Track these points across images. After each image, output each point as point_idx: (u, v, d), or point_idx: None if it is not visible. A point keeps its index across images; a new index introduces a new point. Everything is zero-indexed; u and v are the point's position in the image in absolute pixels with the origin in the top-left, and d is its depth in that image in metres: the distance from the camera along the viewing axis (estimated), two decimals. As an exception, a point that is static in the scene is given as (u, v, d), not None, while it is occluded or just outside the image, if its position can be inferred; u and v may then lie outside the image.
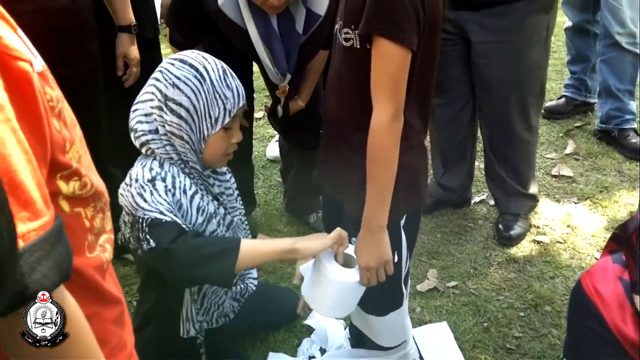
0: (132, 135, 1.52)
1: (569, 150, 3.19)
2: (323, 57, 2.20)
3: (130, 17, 2.15)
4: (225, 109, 1.46)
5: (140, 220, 1.39)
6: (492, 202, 2.79)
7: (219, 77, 1.46)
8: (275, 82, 2.12)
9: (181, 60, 1.47)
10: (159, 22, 2.73)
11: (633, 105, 3.22)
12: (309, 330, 2.12)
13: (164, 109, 1.45)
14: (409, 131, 1.37)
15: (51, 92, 0.75)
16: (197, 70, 1.45)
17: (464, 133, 2.55)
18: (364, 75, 1.33)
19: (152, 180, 1.43)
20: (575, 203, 2.81)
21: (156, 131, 1.48)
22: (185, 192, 1.49)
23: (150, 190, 1.41)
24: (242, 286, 1.74)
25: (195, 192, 1.51)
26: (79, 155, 0.82)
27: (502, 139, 2.45)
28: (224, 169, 1.65)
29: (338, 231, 1.45)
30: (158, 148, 1.48)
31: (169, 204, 1.42)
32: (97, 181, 0.87)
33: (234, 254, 1.37)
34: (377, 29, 1.26)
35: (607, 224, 2.67)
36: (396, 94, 1.31)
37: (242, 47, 1.97)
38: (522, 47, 2.19)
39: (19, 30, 0.76)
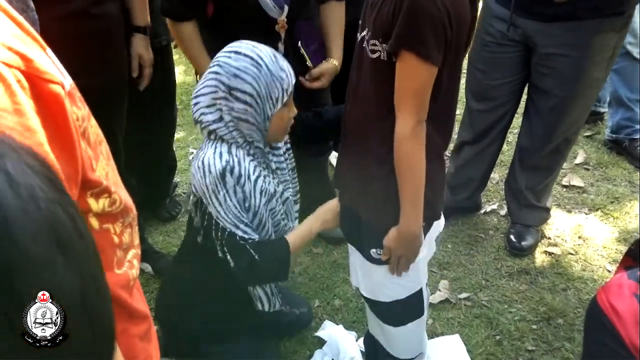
0: (198, 126, 1.65)
1: (579, 160, 3.18)
2: (340, 11, 2.17)
3: (147, 17, 2.13)
4: (282, 88, 1.59)
5: (216, 224, 1.61)
6: (502, 212, 2.79)
7: (272, 61, 1.58)
8: (273, 16, 2.04)
9: (236, 52, 1.59)
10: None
11: (644, 115, 3.21)
12: (321, 342, 2.11)
13: (229, 98, 1.57)
14: (429, 145, 1.39)
15: (77, 112, 0.75)
16: (252, 59, 1.57)
17: (495, 138, 2.54)
18: (390, 87, 1.36)
19: (223, 174, 1.58)
20: (586, 214, 2.80)
21: (220, 119, 1.60)
22: (249, 177, 1.63)
23: (224, 194, 1.58)
24: None
25: (259, 176, 1.65)
26: (106, 172, 0.82)
27: (538, 149, 2.43)
28: (279, 144, 1.78)
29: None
30: (225, 135, 1.61)
31: (238, 207, 1.61)
32: (125, 196, 0.87)
33: (288, 263, 1.67)
34: (406, 44, 1.29)
35: (618, 235, 2.66)
36: (419, 106, 1.34)
37: None
38: (586, 63, 2.17)
39: (48, 50, 0.76)
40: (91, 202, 0.78)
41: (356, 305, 2.26)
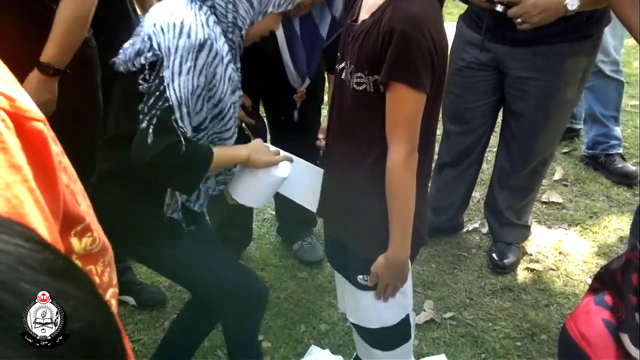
0: None
1: (557, 176, 3.24)
2: None
3: (49, 55, 1.88)
4: None
5: (162, 91, 1.42)
6: (484, 230, 2.82)
7: None
8: (295, 86, 2.15)
9: None
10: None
11: (618, 130, 3.29)
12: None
13: None
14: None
15: (55, 148, 0.77)
16: None
17: (473, 160, 2.58)
18: (375, 118, 1.38)
19: (202, 46, 1.43)
20: (566, 229, 2.84)
21: None
22: (222, 59, 1.51)
23: (191, 67, 1.42)
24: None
25: (230, 60, 1.54)
26: (87, 208, 0.83)
27: (516, 170, 2.48)
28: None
29: (285, 155, 1.62)
30: (220, 2, 1.50)
31: (192, 89, 1.44)
32: (102, 235, 0.88)
33: (203, 172, 1.52)
34: (397, 76, 1.32)
35: (597, 249, 2.70)
36: (411, 135, 1.37)
37: (267, 48, 2.00)
38: (558, 86, 2.23)
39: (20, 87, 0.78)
40: (74, 242, 0.79)
41: (342, 329, 2.27)
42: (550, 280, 2.52)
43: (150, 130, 1.42)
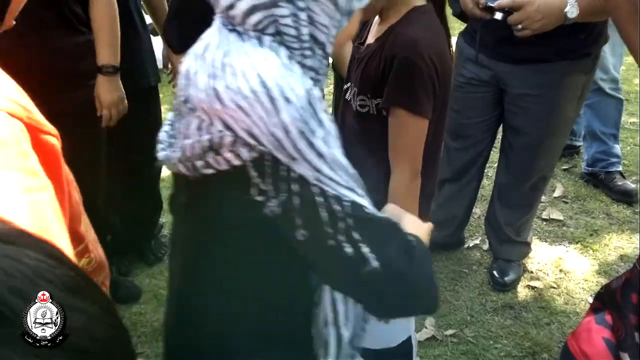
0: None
1: (557, 193, 3.25)
2: None
3: (104, 57, 2.03)
4: None
5: (324, 196, 0.87)
6: (485, 247, 2.83)
7: None
8: None
9: None
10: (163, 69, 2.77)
11: (618, 148, 3.31)
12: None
13: None
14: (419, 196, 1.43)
15: (65, 166, 0.79)
16: None
17: (473, 176, 2.60)
18: (380, 139, 1.39)
19: (310, 101, 0.86)
20: (566, 247, 2.86)
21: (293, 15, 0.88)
22: (325, 109, 0.92)
23: (326, 135, 0.88)
24: None
25: (325, 107, 0.94)
26: (87, 228, 0.85)
27: (516, 186, 2.49)
28: None
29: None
30: (284, 19, 0.88)
31: (343, 156, 0.93)
32: (100, 253, 0.89)
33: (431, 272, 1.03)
34: (398, 102, 1.33)
35: (598, 267, 2.72)
36: (413, 159, 1.38)
37: None
38: (557, 103, 2.26)
39: None
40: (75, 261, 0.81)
41: (344, 345, 2.27)
42: (551, 298, 2.53)
43: (367, 251, 0.88)
